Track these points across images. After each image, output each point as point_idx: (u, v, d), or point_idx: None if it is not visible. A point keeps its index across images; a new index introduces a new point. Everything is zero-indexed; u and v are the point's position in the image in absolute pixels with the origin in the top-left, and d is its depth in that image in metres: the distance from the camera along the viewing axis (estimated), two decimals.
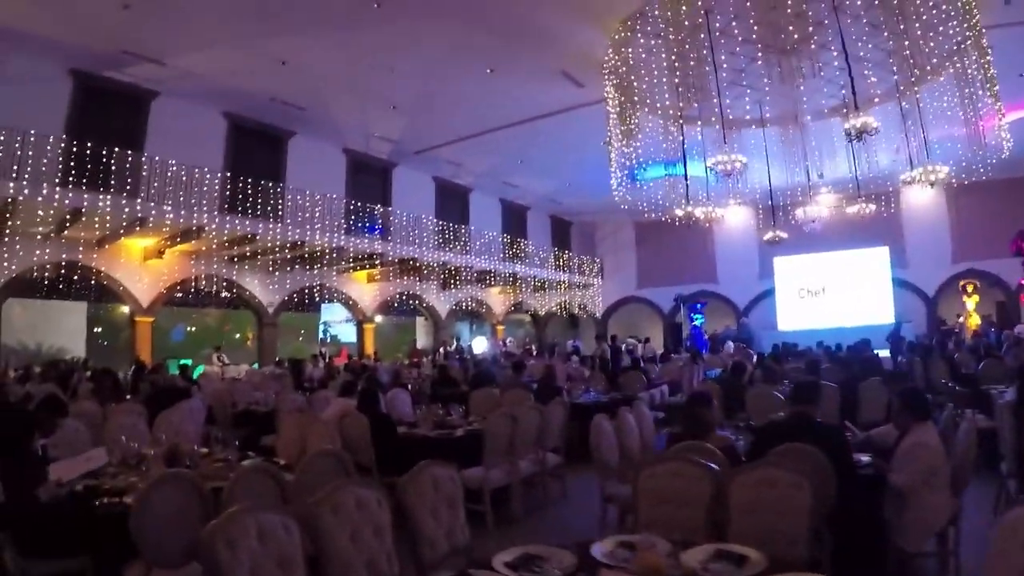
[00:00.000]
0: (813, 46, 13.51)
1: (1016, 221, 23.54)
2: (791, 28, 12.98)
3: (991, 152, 15.52)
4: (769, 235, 20.52)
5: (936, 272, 26.82)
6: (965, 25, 13.10)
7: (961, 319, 24.34)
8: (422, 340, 25.91)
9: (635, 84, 14.99)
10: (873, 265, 27.46)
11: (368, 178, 21.72)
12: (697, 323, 27.69)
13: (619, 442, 6.17)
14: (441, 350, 21.99)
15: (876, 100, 15.90)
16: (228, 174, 16.94)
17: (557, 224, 31.03)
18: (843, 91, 15.88)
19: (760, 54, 14.24)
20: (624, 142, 16.26)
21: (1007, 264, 23.80)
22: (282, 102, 17.54)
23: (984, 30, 13.41)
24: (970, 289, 23.97)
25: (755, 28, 13.23)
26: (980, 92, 14.06)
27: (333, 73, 15.99)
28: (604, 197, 26.08)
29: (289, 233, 17.60)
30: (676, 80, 14.63)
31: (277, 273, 19.55)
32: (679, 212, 17.81)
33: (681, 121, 15.87)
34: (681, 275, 29.75)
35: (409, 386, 11.47)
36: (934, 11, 12.58)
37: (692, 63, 13.68)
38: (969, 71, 13.90)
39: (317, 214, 18.34)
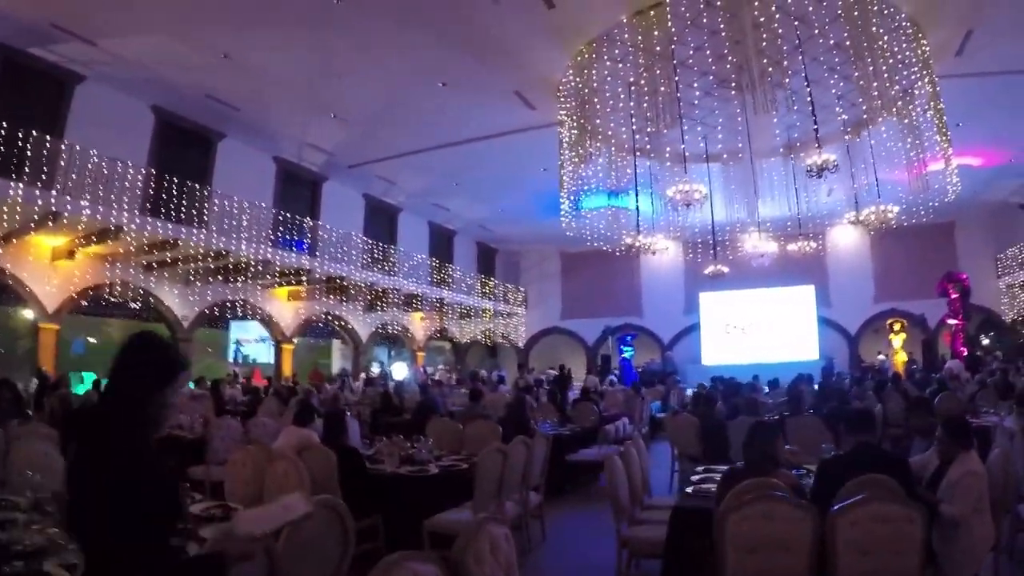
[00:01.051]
0: (766, 85, 13.30)
1: (936, 264, 24.63)
2: (748, 65, 12.82)
3: (933, 195, 15.73)
4: (711, 269, 20.49)
5: (858, 311, 27.98)
6: (920, 73, 13.29)
7: (882, 357, 25.05)
8: (337, 364, 24.82)
9: (591, 109, 14.55)
10: (799, 303, 28.12)
11: (297, 190, 20.43)
12: (627, 355, 27.42)
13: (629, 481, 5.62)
14: (363, 375, 20.91)
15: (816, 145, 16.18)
16: (152, 171, 15.44)
17: (483, 251, 30.36)
18: (789, 130, 16.06)
19: (715, 88, 14.05)
20: (575, 168, 15.85)
21: (928, 305, 24.86)
22: (217, 100, 16.21)
23: (938, 79, 13.58)
24: (897, 327, 24.64)
25: (712, 62, 13.11)
26: (924, 138, 14.26)
27: (277, 73, 14.80)
28: (533, 225, 26.11)
29: (214, 241, 16.23)
30: (632, 109, 14.50)
31: (197, 284, 17.96)
32: (628, 240, 17.60)
33: (637, 151, 15.69)
34: (606, 307, 29.83)
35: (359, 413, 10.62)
36: (891, 58, 12.64)
37: (647, 94, 13.52)
38: (915, 117, 14.07)
39: (244, 222, 17.03)
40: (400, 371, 23.66)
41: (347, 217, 21.26)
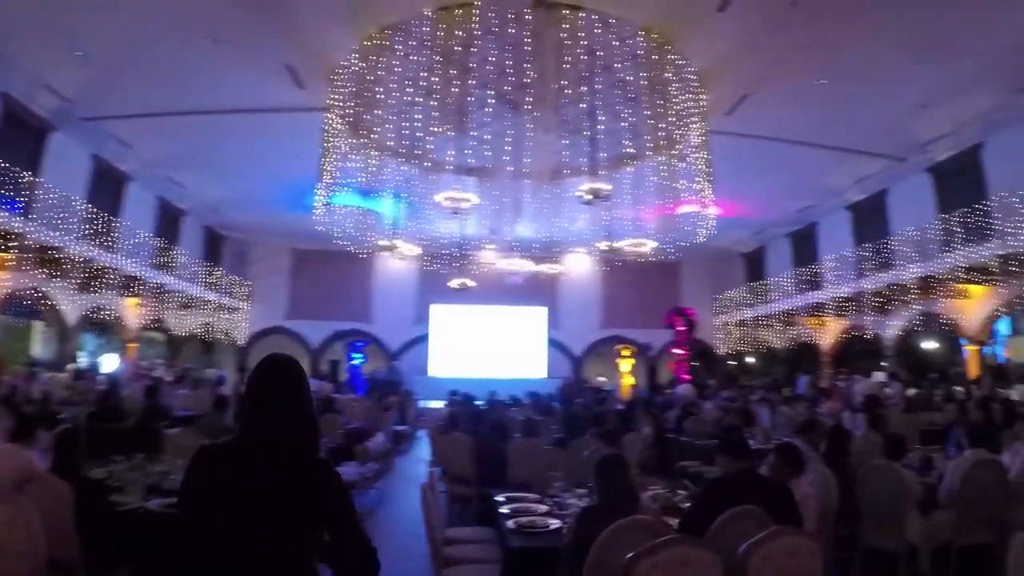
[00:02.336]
0: (550, 108, 13.32)
1: (661, 299, 26.85)
2: (537, 85, 12.71)
3: (682, 236, 16.69)
4: (456, 281, 20.19)
5: (584, 335, 29.54)
6: (697, 123, 13.96)
7: (603, 379, 26.50)
8: (39, 350, 20.99)
9: (365, 101, 13.62)
10: (532, 323, 28.96)
11: (20, 137, 16.28)
12: (356, 362, 26.44)
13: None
14: (70, 367, 17.83)
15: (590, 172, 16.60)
16: None
17: (212, 237, 27.56)
18: (556, 155, 16.23)
19: (495, 103, 13.80)
20: (334, 161, 14.87)
21: (651, 334, 26.95)
22: None
23: (709, 131, 14.38)
24: (625, 353, 25.90)
25: (498, 76, 12.82)
26: (682, 182, 15.02)
27: None
28: (270, 215, 24.48)
29: None
30: (406, 109, 13.86)
31: None
32: (383, 243, 16.92)
33: (402, 153, 15.10)
34: (335, 310, 28.95)
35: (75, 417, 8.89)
36: (674, 105, 13.16)
37: (427, 96, 12.99)
38: (681, 162, 14.78)
39: None
40: (111, 363, 20.76)
41: (70, 179, 17.57)
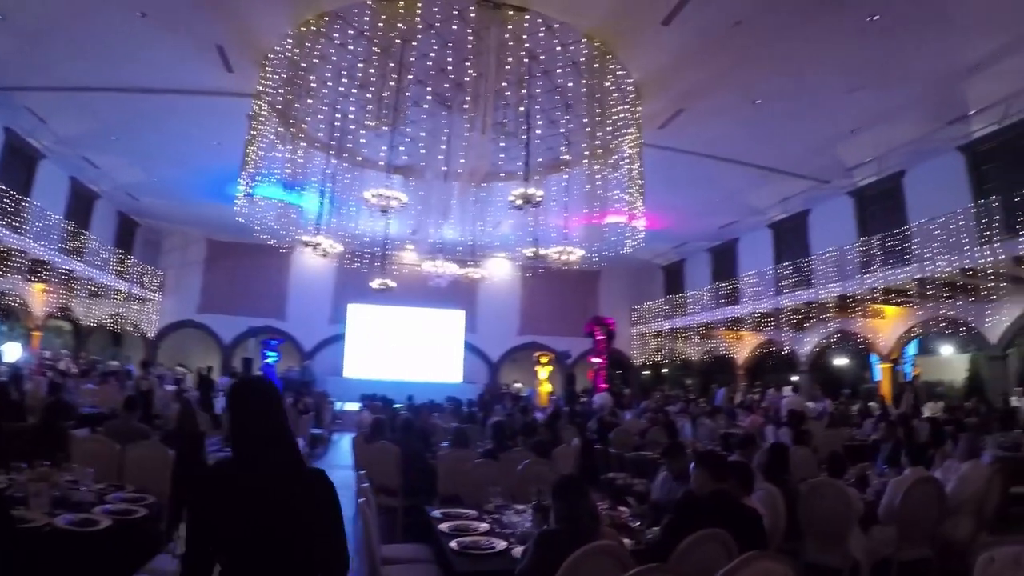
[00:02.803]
0: (485, 109, 13.07)
1: (578, 308, 27.05)
2: (475, 86, 12.44)
3: (609, 246, 16.70)
4: (377, 282, 19.74)
5: (502, 341, 29.52)
6: (632, 134, 13.96)
7: (519, 385, 26.55)
8: None
9: (296, 90, 13.11)
10: (449, 326, 28.78)
11: None
12: (270, 361, 25.62)
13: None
14: None
15: (500, 176, 16.52)
16: None
17: (124, 223, 26.03)
18: (483, 159, 15.94)
19: (430, 101, 13.50)
20: (259, 151, 14.32)
21: (568, 342, 27.00)
22: None
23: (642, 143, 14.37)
24: (543, 360, 25.90)
25: (435, 74, 12.58)
26: (612, 192, 15.02)
27: None
28: (186, 203, 23.54)
29: None
30: (338, 101, 13.47)
31: None
32: (306, 239, 16.39)
33: (332, 147, 14.65)
34: (249, 306, 27.89)
35: None
36: (611, 115, 13.10)
37: (361, 89, 12.61)
38: (614, 172, 14.76)
39: None
40: (13, 353, 19.14)
41: None
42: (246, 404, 2.54)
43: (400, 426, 9.38)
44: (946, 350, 21.21)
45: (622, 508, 5.78)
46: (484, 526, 5.00)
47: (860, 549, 5.70)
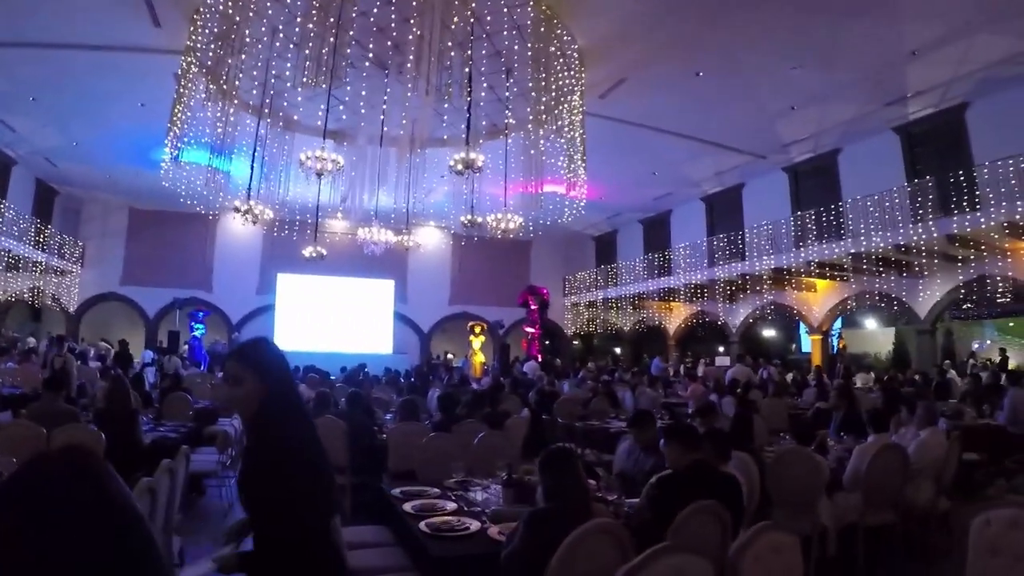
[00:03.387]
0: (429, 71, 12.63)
1: (510, 277, 26.91)
2: (416, 47, 11.96)
3: (545, 215, 16.52)
4: (309, 250, 19.12)
5: (433, 311, 29.28)
6: (576, 101, 13.79)
7: (450, 356, 26.41)
8: None
9: (228, 46, 12.42)
10: (379, 296, 28.38)
11: None
12: (198, 333, 24.77)
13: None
14: None
15: (443, 139, 16.20)
16: None
17: (43, 191, 24.53)
18: (417, 124, 15.52)
19: (366, 62, 13.02)
20: (185, 111, 13.63)
21: (501, 312, 27.06)
22: None
23: (584, 110, 14.22)
24: (477, 330, 25.66)
25: (373, 31, 12.08)
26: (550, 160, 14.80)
27: None
28: (107, 169, 22.44)
29: None
30: (273, 60, 12.87)
31: None
32: (237, 204, 15.70)
33: (266, 110, 14.07)
34: (174, 277, 26.73)
35: None
36: (555, 81, 12.84)
37: (297, 47, 12.03)
38: (555, 138, 14.54)
39: None
40: None
41: None
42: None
43: (348, 399, 8.95)
44: (870, 324, 21.77)
45: (590, 481, 5.58)
46: (451, 505, 4.68)
47: (828, 516, 5.68)
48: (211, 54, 12.68)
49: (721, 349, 24.32)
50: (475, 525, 4.16)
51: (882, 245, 15.54)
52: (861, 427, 6.70)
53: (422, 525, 4.11)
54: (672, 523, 3.47)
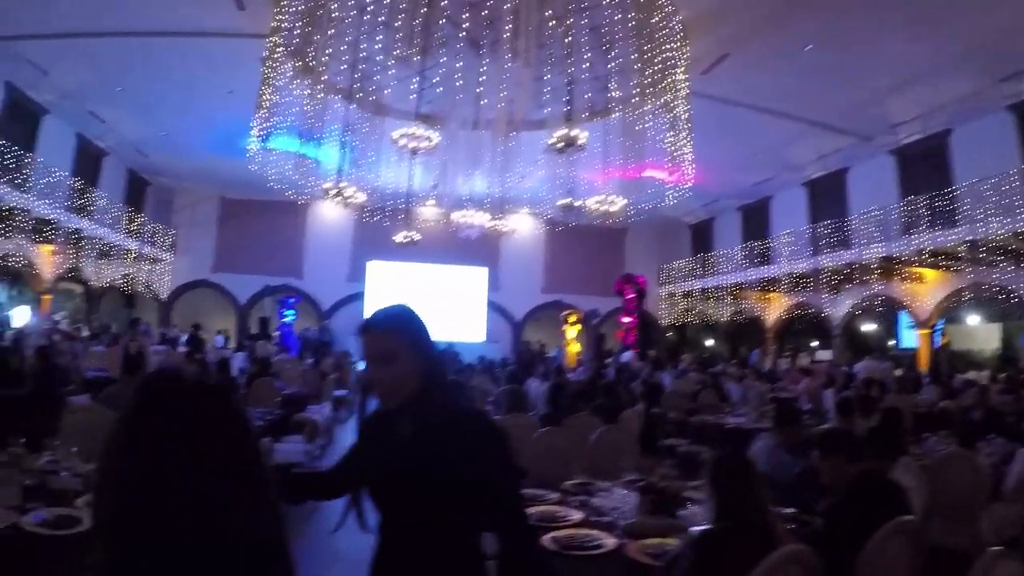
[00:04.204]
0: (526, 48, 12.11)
1: (605, 266, 26.17)
2: (514, 23, 11.43)
3: (647, 199, 15.80)
4: (402, 235, 18.88)
5: (526, 299, 28.77)
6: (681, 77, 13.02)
7: (543, 345, 25.56)
8: None
9: (316, 26, 12.09)
10: (472, 284, 28.23)
11: None
12: (288, 320, 24.90)
13: None
14: None
15: (541, 120, 15.57)
16: None
17: (135, 181, 24.98)
18: (513, 104, 15.00)
19: (463, 40, 12.56)
20: (274, 96, 13.41)
21: (593, 301, 26.42)
22: None
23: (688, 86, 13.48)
24: (572, 319, 24.93)
25: (466, 8, 11.61)
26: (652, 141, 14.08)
27: None
28: (198, 159, 22.59)
29: None
30: (363, 40, 12.48)
31: None
32: (327, 186, 15.53)
33: (356, 93, 13.73)
34: (265, 265, 26.83)
35: None
36: (659, 54, 12.14)
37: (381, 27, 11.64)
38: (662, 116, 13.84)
39: None
40: (22, 317, 18.03)
41: None
42: None
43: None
44: (973, 319, 20.37)
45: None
46: (575, 514, 4.09)
47: (990, 529, 4.93)
48: (297, 33, 12.33)
49: (816, 343, 23.20)
50: (611, 542, 3.55)
51: (1001, 232, 14.27)
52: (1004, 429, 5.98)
53: (547, 539, 3.53)
54: (861, 551, 2.85)
